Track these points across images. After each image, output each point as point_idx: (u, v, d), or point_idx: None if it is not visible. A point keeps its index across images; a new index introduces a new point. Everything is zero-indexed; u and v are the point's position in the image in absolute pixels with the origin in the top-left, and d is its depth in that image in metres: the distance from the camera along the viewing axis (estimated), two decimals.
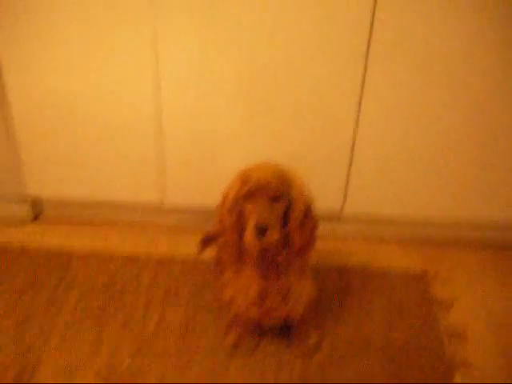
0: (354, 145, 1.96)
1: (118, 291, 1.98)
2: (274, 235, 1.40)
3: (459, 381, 1.63)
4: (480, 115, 1.84)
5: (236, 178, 1.49)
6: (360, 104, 1.87)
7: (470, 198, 2.03)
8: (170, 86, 1.87)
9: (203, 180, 2.08)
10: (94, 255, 2.15)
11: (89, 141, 2.05)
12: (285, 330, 1.76)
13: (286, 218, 1.48)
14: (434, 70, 1.76)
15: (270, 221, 1.39)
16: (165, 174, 2.10)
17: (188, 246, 2.18)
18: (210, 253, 2.04)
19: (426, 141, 1.91)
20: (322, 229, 2.12)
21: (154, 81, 1.86)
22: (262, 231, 1.37)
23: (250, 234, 1.40)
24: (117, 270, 2.08)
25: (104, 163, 2.12)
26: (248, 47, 1.78)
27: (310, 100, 1.88)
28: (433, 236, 2.26)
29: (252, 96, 1.88)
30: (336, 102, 1.88)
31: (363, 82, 1.81)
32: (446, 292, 2.01)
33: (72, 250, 2.17)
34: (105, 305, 1.91)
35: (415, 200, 2.10)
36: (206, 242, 2.16)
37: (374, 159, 1.99)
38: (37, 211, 2.37)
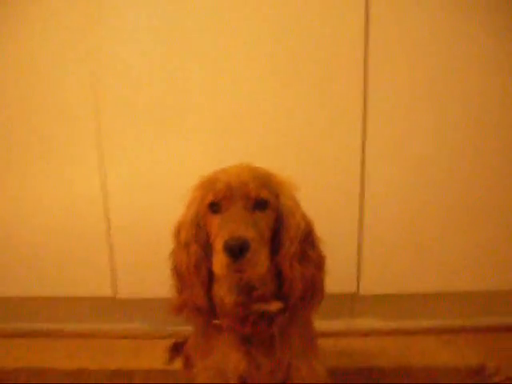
0: (362, 218, 1.56)
1: None
2: (257, 257, 0.88)
3: None
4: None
5: (195, 188, 1.01)
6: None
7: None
8: (118, 187, 1.59)
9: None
10: (25, 370, 1.55)
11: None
12: None
13: (274, 244, 0.97)
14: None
15: (250, 234, 0.87)
16: (117, 267, 1.66)
17: (152, 357, 1.62)
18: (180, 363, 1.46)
19: (443, 202, 1.56)
20: (338, 325, 1.68)
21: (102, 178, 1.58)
22: (236, 250, 0.85)
23: (218, 259, 0.89)
24: None
25: (50, 257, 1.66)
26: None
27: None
28: (476, 321, 1.72)
29: None
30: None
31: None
32: None
33: None
34: None
35: (443, 275, 1.62)
36: (177, 348, 1.58)
37: (386, 231, 1.58)
38: None
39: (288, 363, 1.02)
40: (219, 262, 0.88)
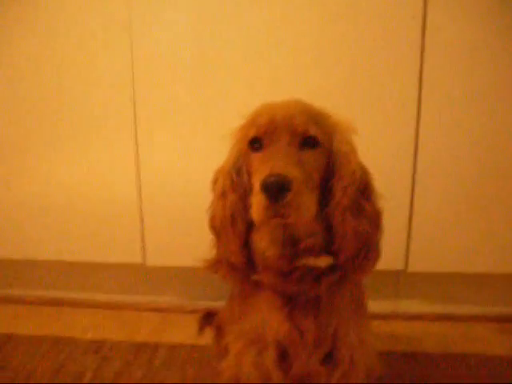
0: (414, 187, 1.41)
1: None
2: (300, 200, 0.75)
3: None
4: None
5: (238, 128, 0.89)
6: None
7: None
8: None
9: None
10: (43, 339, 1.46)
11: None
12: None
13: (325, 193, 0.84)
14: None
15: (292, 172, 0.75)
16: (147, 234, 1.55)
17: (180, 331, 1.53)
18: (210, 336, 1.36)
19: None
20: (382, 306, 1.55)
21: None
22: (275, 189, 0.72)
23: (256, 201, 0.76)
24: (70, 358, 1.37)
25: (80, 222, 1.57)
26: None
27: None
28: None
29: None
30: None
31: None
32: None
33: (12, 332, 1.51)
34: None
35: (500, 255, 1.45)
36: (209, 318, 1.47)
37: (440, 203, 1.43)
38: None
39: (334, 331, 0.89)
40: (256, 204, 0.76)
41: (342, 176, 0.83)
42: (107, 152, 1.48)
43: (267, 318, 0.89)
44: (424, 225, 1.43)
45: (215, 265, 0.93)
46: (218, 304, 1.55)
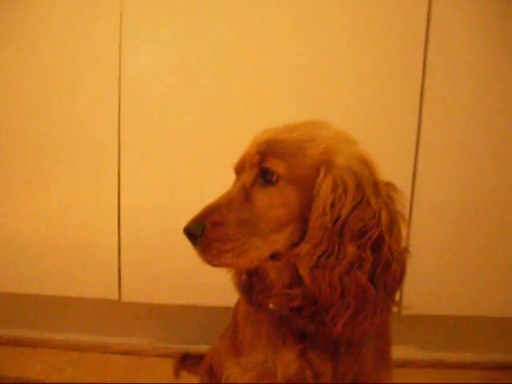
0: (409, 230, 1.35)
1: None
2: (221, 246, 0.71)
3: None
4: None
5: None
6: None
7: None
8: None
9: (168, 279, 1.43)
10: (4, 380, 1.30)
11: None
12: None
13: None
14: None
15: (219, 217, 0.72)
16: (124, 270, 1.43)
17: (152, 375, 1.41)
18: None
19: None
20: None
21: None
22: (188, 235, 0.73)
23: None
24: None
25: (56, 256, 1.44)
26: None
27: None
28: None
29: None
30: None
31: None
32: None
33: None
34: None
35: (494, 299, 1.41)
36: (186, 361, 1.37)
37: (435, 243, 1.38)
38: None
39: (353, 379, 0.80)
40: None
41: (313, 217, 0.72)
42: (89, 187, 1.39)
43: (279, 352, 0.80)
44: (418, 266, 1.38)
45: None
46: (194, 348, 1.45)
